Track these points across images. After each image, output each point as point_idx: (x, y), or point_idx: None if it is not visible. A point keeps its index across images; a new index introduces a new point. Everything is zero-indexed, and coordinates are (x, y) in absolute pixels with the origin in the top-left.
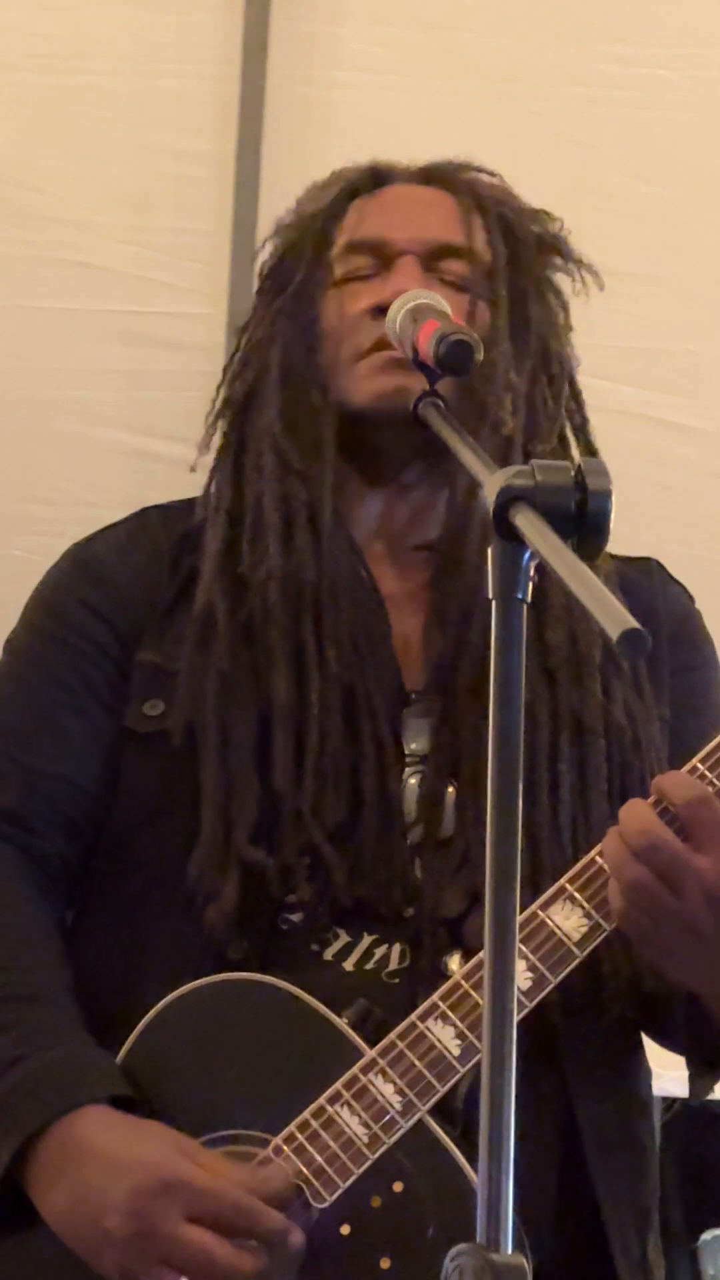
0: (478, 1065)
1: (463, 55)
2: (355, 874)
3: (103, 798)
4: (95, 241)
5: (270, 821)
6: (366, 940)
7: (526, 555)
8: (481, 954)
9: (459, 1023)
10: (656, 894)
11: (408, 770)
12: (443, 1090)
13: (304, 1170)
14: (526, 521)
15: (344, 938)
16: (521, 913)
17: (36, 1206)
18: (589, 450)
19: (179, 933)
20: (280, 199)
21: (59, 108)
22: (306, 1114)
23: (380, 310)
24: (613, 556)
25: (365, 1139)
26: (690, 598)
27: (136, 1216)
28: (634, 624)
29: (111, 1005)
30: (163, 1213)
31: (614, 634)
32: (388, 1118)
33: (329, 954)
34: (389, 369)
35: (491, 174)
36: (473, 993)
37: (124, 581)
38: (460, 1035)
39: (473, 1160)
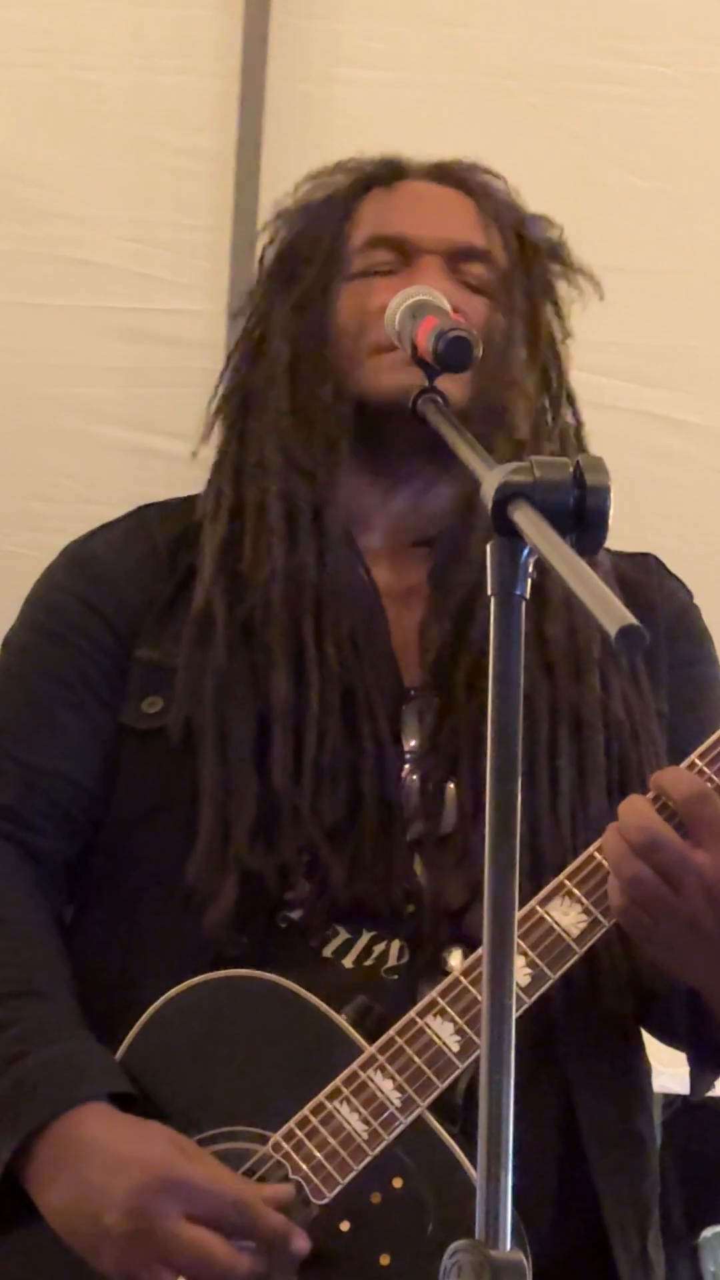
0: (477, 1061)
1: (463, 51)
2: (354, 872)
3: (101, 795)
4: (95, 238)
5: (269, 820)
6: (366, 937)
7: (525, 551)
8: (481, 950)
9: (458, 1019)
10: (656, 890)
11: (407, 767)
12: (442, 1086)
13: (303, 1167)
14: (525, 518)
15: (343, 934)
16: (521, 908)
17: (36, 1204)
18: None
19: (178, 929)
20: (281, 195)
21: (59, 104)
22: (306, 1110)
23: None
24: (611, 552)
25: (365, 1135)
26: (689, 593)
27: (136, 1214)
28: (632, 620)
29: (110, 1001)
30: (162, 1211)
31: (612, 630)
32: (387, 1114)
33: (328, 951)
34: (409, 365)
35: (498, 176)
36: (471, 989)
37: (122, 579)
38: (459, 1031)
39: (472, 1156)
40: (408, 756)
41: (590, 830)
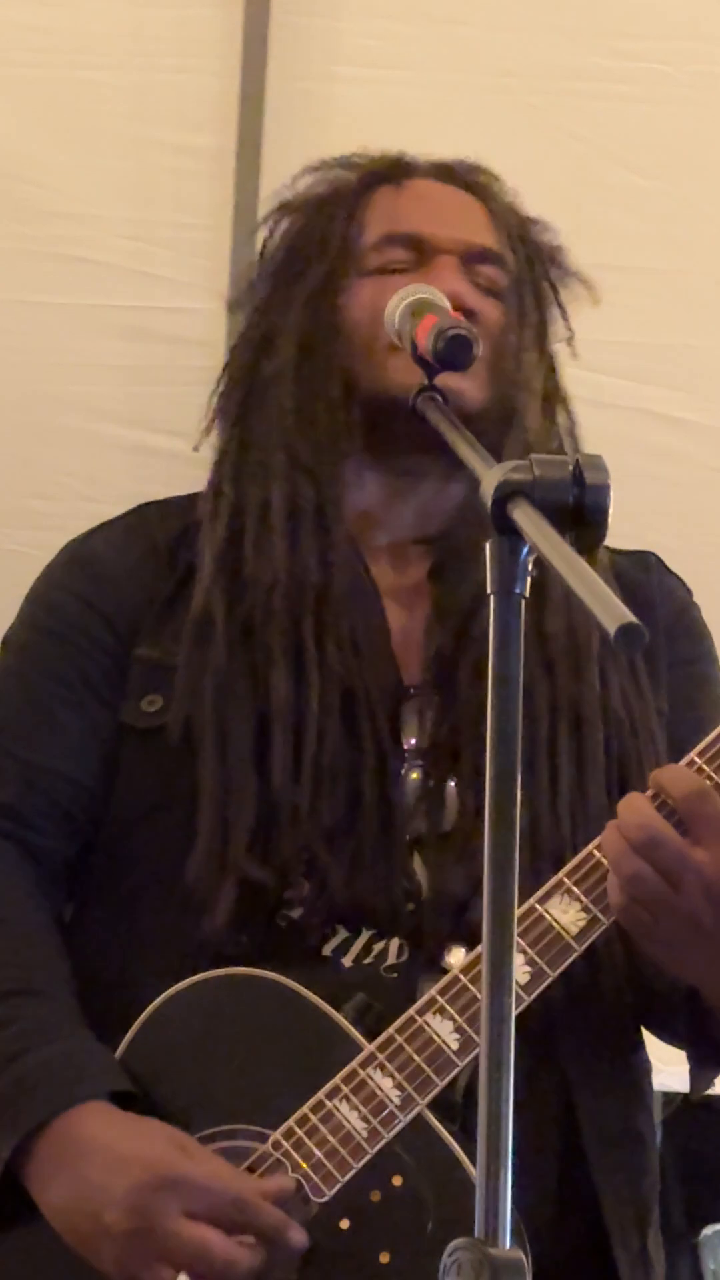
0: (476, 1059)
1: (463, 49)
2: (353, 871)
3: (101, 793)
4: (95, 236)
5: (268, 819)
6: (365, 936)
7: (525, 550)
8: (480, 948)
9: (457, 1017)
10: (655, 888)
11: (407, 765)
12: (441, 1084)
13: (303, 1165)
14: (525, 516)
15: (342, 933)
16: (520, 905)
17: (36, 1202)
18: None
19: (177, 928)
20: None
21: (59, 102)
22: (305, 1108)
23: None
24: (611, 550)
25: (364, 1133)
26: (688, 591)
27: (136, 1212)
28: (631, 618)
29: (110, 1000)
30: (162, 1208)
31: (611, 628)
32: (386, 1112)
33: (327, 949)
34: (414, 364)
35: (498, 178)
36: (471, 987)
37: (121, 577)
38: (459, 1029)
39: (472, 1154)
40: (407, 755)
41: (590, 827)
